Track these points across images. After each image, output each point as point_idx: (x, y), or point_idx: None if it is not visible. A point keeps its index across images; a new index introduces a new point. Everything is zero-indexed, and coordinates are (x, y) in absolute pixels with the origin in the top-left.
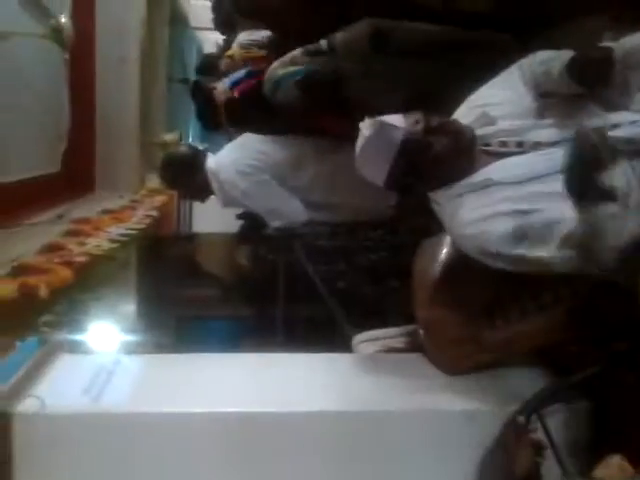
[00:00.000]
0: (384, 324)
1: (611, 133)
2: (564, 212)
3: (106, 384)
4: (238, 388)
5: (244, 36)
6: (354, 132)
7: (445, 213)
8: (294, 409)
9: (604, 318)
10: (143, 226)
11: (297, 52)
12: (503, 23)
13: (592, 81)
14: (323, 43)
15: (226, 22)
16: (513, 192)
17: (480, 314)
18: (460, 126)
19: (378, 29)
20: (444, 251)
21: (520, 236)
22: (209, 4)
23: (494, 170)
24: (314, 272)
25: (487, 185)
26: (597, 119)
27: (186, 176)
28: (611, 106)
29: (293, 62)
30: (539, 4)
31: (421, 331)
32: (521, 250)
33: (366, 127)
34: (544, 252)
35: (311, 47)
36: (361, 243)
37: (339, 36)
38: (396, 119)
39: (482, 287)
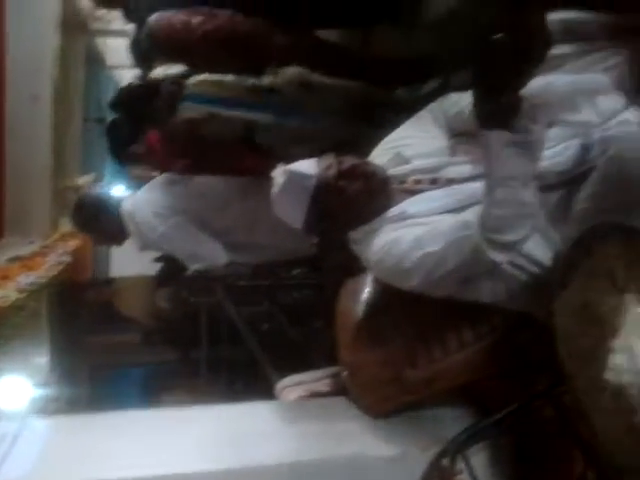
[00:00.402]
0: (308, 367)
1: None
2: None
3: (9, 452)
4: (155, 449)
5: (161, 71)
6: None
7: (363, 249)
8: (211, 468)
9: (523, 353)
10: (55, 273)
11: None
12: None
13: (502, 121)
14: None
15: (144, 58)
16: (427, 222)
17: (402, 354)
18: (372, 168)
19: (307, 80)
20: (366, 291)
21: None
22: (126, 42)
23: (409, 203)
24: (237, 314)
25: (403, 218)
26: None
27: (99, 220)
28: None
29: None
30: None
31: (344, 373)
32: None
33: (279, 175)
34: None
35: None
36: (284, 282)
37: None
38: (308, 164)
39: (404, 327)
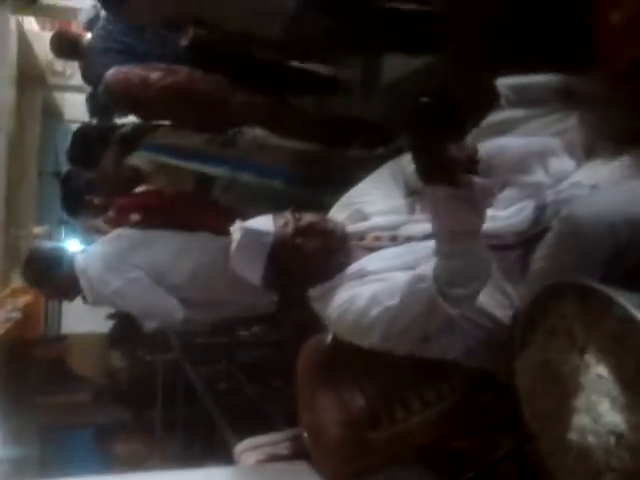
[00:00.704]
0: (268, 428)
1: None
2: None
3: None
4: None
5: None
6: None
7: (322, 307)
8: None
9: (487, 413)
10: (2, 331)
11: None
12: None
13: (435, 180)
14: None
15: (102, 111)
16: (387, 279)
17: (364, 414)
18: (331, 225)
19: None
20: (326, 351)
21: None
22: (84, 97)
23: (369, 260)
24: (194, 373)
25: (362, 275)
26: None
27: (51, 274)
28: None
29: None
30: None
31: (305, 435)
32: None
33: (236, 231)
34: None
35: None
36: (243, 340)
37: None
38: (266, 221)
39: (365, 387)
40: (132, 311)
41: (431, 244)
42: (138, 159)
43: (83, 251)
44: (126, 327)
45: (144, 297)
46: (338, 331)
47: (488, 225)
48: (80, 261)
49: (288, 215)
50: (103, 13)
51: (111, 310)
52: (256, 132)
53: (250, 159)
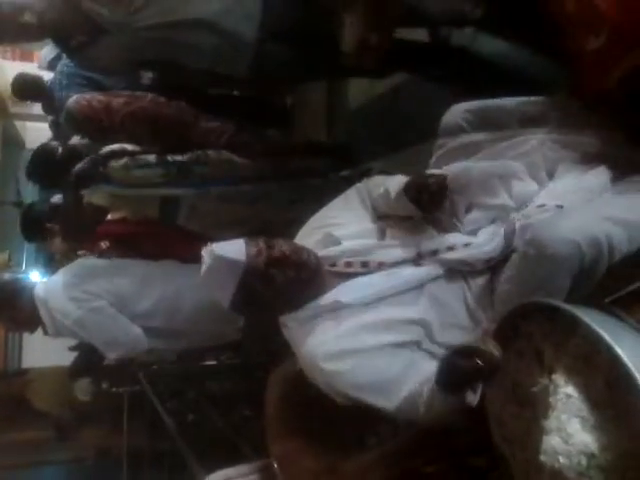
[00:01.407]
0: (237, 459)
1: (447, 255)
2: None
3: None
4: None
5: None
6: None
7: (294, 338)
8: None
9: (459, 436)
10: None
11: None
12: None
13: (428, 204)
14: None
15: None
16: (362, 316)
17: (336, 443)
18: (304, 256)
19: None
20: (295, 380)
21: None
22: (46, 125)
23: (342, 292)
24: (161, 404)
25: (336, 308)
26: (433, 241)
27: (9, 305)
28: (441, 227)
29: None
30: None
31: (275, 466)
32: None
33: (207, 255)
34: (387, 404)
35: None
36: (211, 369)
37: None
38: (237, 247)
39: (336, 415)
40: (94, 342)
41: (405, 273)
42: (97, 194)
43: (43, 282)
44: (89, 359)
45: (106, 327)
46: (313, 379)
47: (462, 253)
48: (40, 291)
49: (261, 243)
50: None
51: (73, 342)
52: (223, 154)
53: (211, 180)
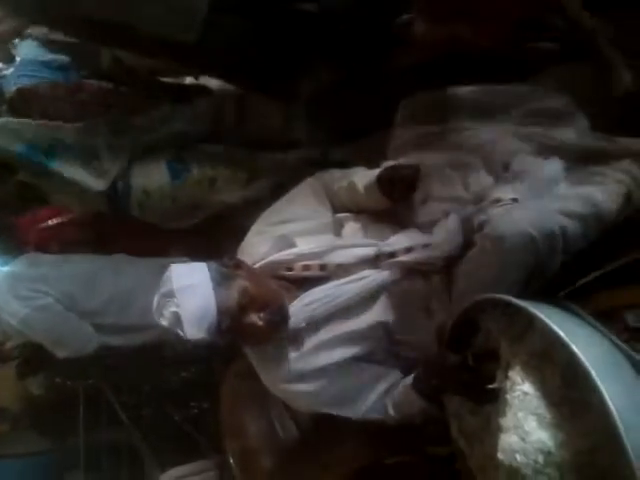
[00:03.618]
0: (195, 455)
1: (406, 258)
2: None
3: None
4: None
5: None
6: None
7: (252, 357)
8: None
9: (422, 426)
10: None
11: None
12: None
13: (399, 196)
14: None
15: None
16: (322, 333)
17: (295, 440)
18: (279, 305)
19: None
20: (254, 377)
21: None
22: None
23: (297, 314)
24: (116, 398)
25: (293, 333)
26: (391, 242)
27: None
28: (397, 219)
29: None
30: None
31: (231, 462)
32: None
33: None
34: (353, 414)
35: None
36: (168, 360)
37: None
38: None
39: (297, 414)
40: (42, 340)
41: (362, 281)
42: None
43: None
44: (37, 358)
45: (54, 326)
46: (271, 389)
47: (422, 255)
48: None
49: (246, 286)
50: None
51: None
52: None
53: None
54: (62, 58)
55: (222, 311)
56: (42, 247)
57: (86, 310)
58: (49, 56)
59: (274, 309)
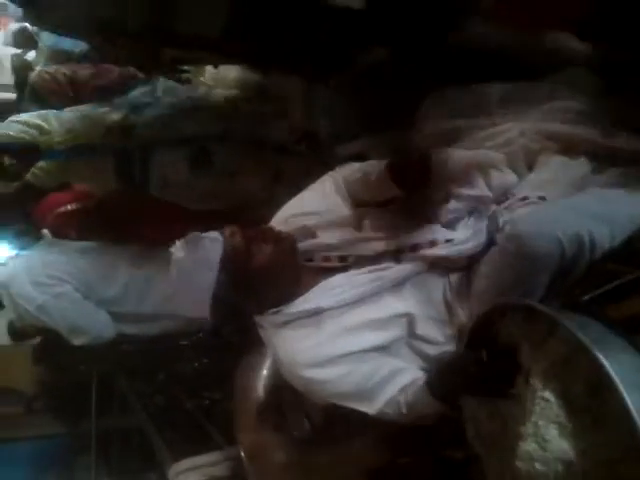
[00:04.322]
0: (207, 446)
1: (428, 252)
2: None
3: None
4: None
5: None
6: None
7: (272, 341)
8: None
9: (436, 427)
10: None
11: None
12: None
13: (411, 184)
14: None
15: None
16: (344, 318)
17: (308, 436)
18: (280, 232)
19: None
20: (266, 368)
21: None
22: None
23: (322, 296)
24: (130, 386)
25: (316, 313)
26: (414, 234)
27: None
28: (419, 217)
29: None
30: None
31: (244, 457)
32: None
33: (179, 248)
34: (368, 409)
35: None
36: (183, 349)
37: None
38: (211, 235)
39: (309, 409)
40: (59, 328)
41: (387, 271)
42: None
43: (4, 266)
44: (53, 343)
45: (71, 313)
46: (287, 377)
47: (445, 250)
48: (2, 276)
49: (234, 227)
50: None
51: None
52: None
53: None
54: (83, 45)
55: (227, 243)
56: (59, 232)
57: (103, 298)
58: (70, 43)
59: (281, 236)
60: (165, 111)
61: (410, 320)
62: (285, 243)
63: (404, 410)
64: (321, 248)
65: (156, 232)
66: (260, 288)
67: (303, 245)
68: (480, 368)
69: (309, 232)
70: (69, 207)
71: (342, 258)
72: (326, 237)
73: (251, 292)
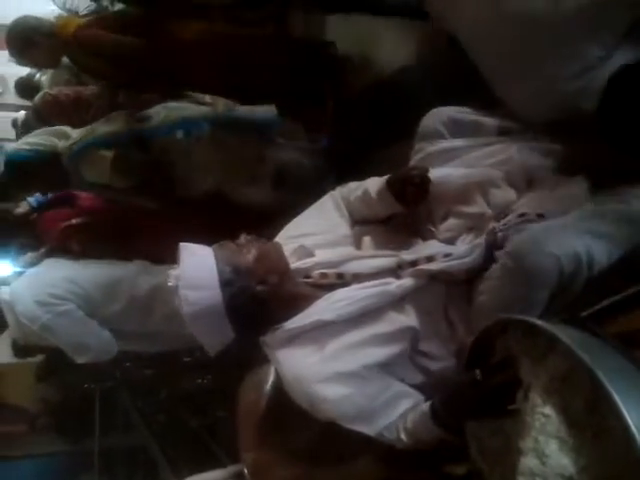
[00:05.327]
0: (210, 463)
1: (427, 267)
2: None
3: None
4: None
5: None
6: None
7: (276, 358)
8: None
9: (439, 443)
10: None
11: None
12: None
13: (411, 198)
14: None
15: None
16: (346, 334)
17: (311, 453)
18: (266, 243)
19: None
20: (270, 385)
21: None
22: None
23: (323, 309)
24: (133, 404)
25: (318, 327)
26: (412, 251)
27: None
28: (418, 235)
29: None
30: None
31: (247, 474)
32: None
33: (175, 288)
34: (369, 431)
35: None
36: (185, 366)
37: None
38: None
39: (311, 422)
40: (62, 346)
41: (388, 286)
42: None
43: (7, 284)
44: (57, 362)
45: (75, 332)
46: (292, 393)
47: (443, 265)
48: (6, 295)
49: (230, 245)
50: None
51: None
52: None
53: None
54: None
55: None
56: (64, 245)
57: (106, 316)
58: None
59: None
60: None
61: (414, 334)
62: (273, 247)
63: (403, 436)
64: (318, 266)
65: (158, 247)
66: (270, 310)
67: (300, 263)
68: (483, 392)
69: (307, 251)
70: (74, 221)
71: (339, 275)
72: (324, 255)
73: (262, 316)
